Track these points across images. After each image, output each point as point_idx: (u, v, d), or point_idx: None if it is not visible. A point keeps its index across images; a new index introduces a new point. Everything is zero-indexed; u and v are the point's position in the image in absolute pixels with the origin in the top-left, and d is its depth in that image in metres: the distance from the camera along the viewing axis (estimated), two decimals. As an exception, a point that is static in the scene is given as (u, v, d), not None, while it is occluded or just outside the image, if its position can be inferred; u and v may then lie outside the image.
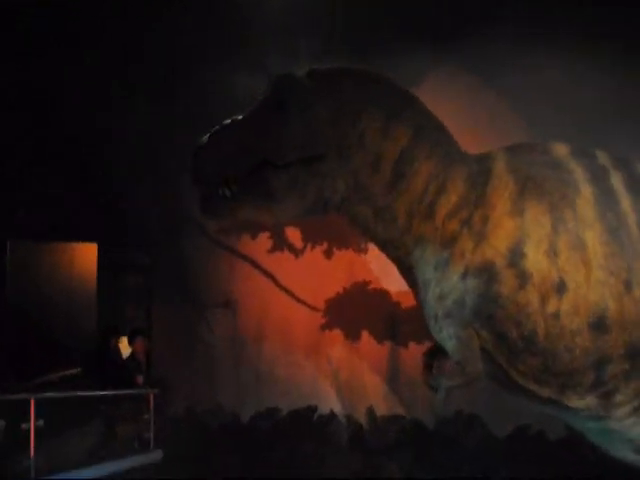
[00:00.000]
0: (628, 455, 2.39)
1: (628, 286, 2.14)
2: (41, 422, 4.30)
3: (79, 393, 4.92)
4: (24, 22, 5.59)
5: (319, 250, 6.61)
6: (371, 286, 6.49)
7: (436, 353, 2.28)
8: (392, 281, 5.95)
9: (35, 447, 4.14)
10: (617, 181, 2.32)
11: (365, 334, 6.47)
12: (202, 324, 6.75)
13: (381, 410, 6.17)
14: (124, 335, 5.75)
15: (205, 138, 2.23)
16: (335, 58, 5.51)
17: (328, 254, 6.56)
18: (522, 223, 2.18)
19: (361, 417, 6.14)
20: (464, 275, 2.15)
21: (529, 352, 2.13)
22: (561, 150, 2.38)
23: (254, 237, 6.57)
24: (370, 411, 6.16)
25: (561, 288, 2.13)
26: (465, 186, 2.27)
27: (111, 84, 5.86)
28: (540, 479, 4.74)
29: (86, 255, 6.20)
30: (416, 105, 2.35)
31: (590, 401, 2.19)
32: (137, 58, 5.84)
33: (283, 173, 2.18)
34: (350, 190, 2.25)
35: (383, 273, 6.20)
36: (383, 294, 6.42)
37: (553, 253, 2.15)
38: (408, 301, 5.71)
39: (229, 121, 2.25)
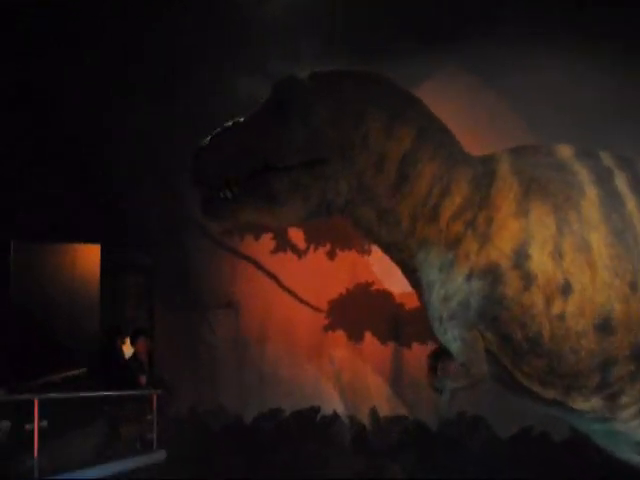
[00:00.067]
0: (633, 457, 2.38)
1: (634, 287, 2.14)
2: (44, 423, 4.31)
3: (82, 394, 4.92)
4: (24, 22, 5.59)
5: (322, 251, 6.60)
6: (374, 287, 6.48)
7: (440, 355, 2.27)
8: (395, 282, 5.94)
9: (39, 447, 4.14)
10: (622, 182, 2.31)
11: (368, 335, 6.46)
12: (204, 325, 6.75)
13: (384, 411, 6.16)
14: (127, 336, 5.75)
15: (206, 140, 2.23)
16: (335, 58, 5.54)
17: (331, 255, 6.56)
18: (527, 224, 2.17)
19: (364, 418, 6.13)
20: (469, 277, 2.15)
21: (534, 354, 2.12)
22: (565, 152, 2.37)
23: (257, 238, 6.57)
24: (373, 412, 6.15)
25: (566, 290, 2.12)
26: (469, 188, 2.26)
27: (111, 84, 5.86)
28: (544, 481, 4.73)
29: (89, 256, 6.21)
30: (418, 106, 2.35)
31: (595, 403, 2.19)
32: (137, 58, 5.84)
33: (285, 176, 2.17)
34: (354, 192, 2.25)
35: (386, 274, 6.19)
36: (386, 295, 6.41)
37: (558, 255, 2.14)
38: (411, 302, 5.70)
39: (230, 123, 2.25)
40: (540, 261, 2.12)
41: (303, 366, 6.51)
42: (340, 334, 6.54)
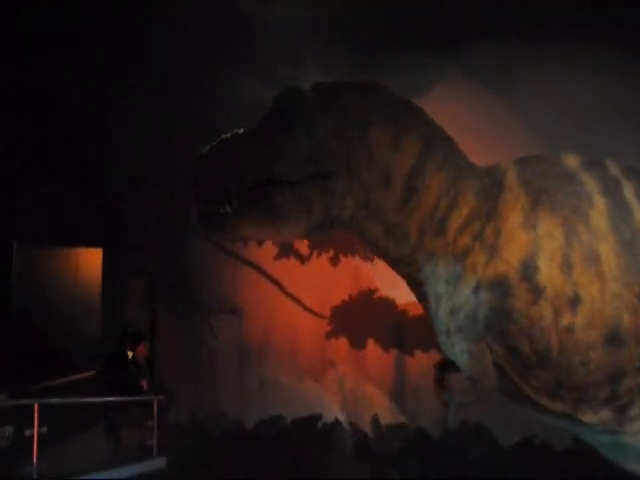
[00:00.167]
0: (640, 469, 2.36)
1: None
2: (45, 428, 4.28)
3: (83, 399, 4.89)
4: (24, 22, 5.57)
5: (325, 257, 6.59)
6: (377, 294, 6.47)
7: (446, 366, 2.26)
8: (398, 289, 5.92)
9: (38, 453, 4.11)
10: (629, 192, 2.30)
11: (371, 342, 6.45)
12: (206, 330, 6.73)
13: (386, 419, 6.14)
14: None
15: (206, 151, 2.19)
16: (337, 63, 5.55)
17: (334, 261, 6.55)
18: (535, 236, 2.16)
19: (366, 426, 6.10)
20: (476, 289, 2.14)
21: (542, 367, 2.10)
22: (572, 161, 2.37)
23: (260, 244, 6.55)
24: (375, 420, 6.13)
25: (575, 302, 2.11)
26: (477, 199, 2.25)
27: (111, 84, 5.84)
28: (546, 489, 4.71)
29: (91, 260, 6.19)
30: (421, 116, 2.34)
31: (604, 415, 2.17)
32: (137, 58, 5.82)
33: (288, 190, 2.13)
34: (360, 207, 2.22)
35: (389, 281, 6.16)
36: (389, 302, 6.40)
37: (567, 266, 2.13)
38: (414, 309, 5.69)
39: (230, 135, 2.22)
40: (549, 273, 2.10)
41: (305, 373, 6.49)
42: (343, 341, 6.52)
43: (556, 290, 2.10)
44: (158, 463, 5.02)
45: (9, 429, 4.18)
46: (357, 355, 6.48)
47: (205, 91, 5.92)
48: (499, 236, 2.17)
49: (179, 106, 5.91)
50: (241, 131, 2.19)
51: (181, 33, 5.69)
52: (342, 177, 2.18)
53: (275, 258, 6.64)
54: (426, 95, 5.15)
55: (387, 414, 6.19)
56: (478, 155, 2.56)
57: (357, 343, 6.47)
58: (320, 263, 6.58)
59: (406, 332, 6.22)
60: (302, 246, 6.59)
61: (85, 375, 5.48)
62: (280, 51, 5.74)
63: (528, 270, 2.10)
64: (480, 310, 2.11)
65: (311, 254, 6.60)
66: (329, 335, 6.54)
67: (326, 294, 6.53)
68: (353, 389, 6.43)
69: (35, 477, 4.07)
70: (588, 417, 2.17)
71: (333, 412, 6.26)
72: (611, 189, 2.26)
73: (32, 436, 4.16)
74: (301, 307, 6.61)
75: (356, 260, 6.52)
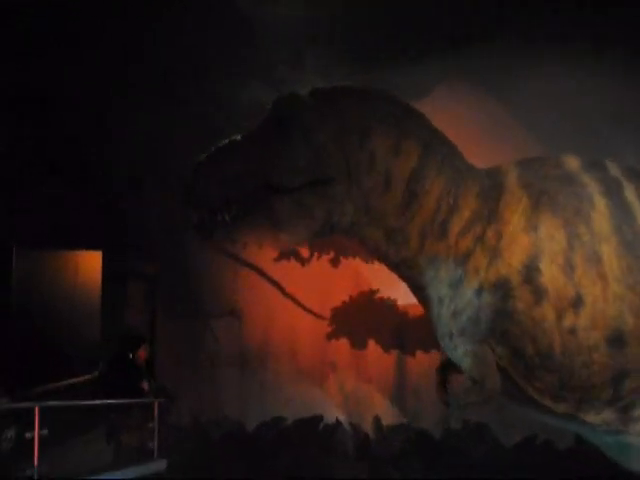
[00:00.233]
0: (644, 469, 2.37)
1: None
2: (45, 431, 4.27)
3: (83, 402, 4.88)
4: (24, 22, 5.56)
5: (325, 258, 6.58)
6: (378, 295, 6.47)
7: (448, 368, 2.26)
8: (398, 290, 5.91)
9: (39, 455, 4.10)
10: (631, 193, 2.31)
11: (371, 343, 6.44)
12: (206, 333, 6.72)
13: (387, 419, 6.13)
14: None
15: (203, 159, 2.18)
16: (337, 65, 5.54)
17: (335, 262, 6.54)
18: (536, 238, 2.16)
19: (367, 427, 6.10)
20: (479, 292, 2.14)
21: (545, 368, 2.11)
22: (572, 163, 2.37)
23: (260, 246, 6.52)
24: (376, 420, 6.12)
25: (578, 303, 2.11)
26: (477, 202, 2.25)
27: (111, 84, 5.83)
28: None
29: (90, 263, 6.17)
30: (421, 120, 2.34)
31: (607, 416, 2.17)
32: (137, 58, 5.81)
33: (287, 197, 2.13)
34: (360, 212, 2.22)
35: (389, 282, 6.14)
36: (390, 303, 6.40)
37: (569, 268, 2.13)
38: (415, 310, 5.69)
39: (227, 142, 2.20)
40: (551, 275, 2.11)
41: (306, 374, 6.48)
42: (343, 342, 6.52)
43: (558, 292, 2.10)
44: (159, 465, 5.00)
45: (11, 432, 4.17)
46: (358, 356, 6.48)
47: (205, 91, 5.91)
48: (500, 239, 2.17)
49: (179, 106, 5.90)
50: (238, 138, 2.18)
51: (181, 33, 5.68)
52: (341, 183, 2.18)
53: (275, 260, 6.63)
54: (426, 96, 5.15)
55: (388, 415, 6.19)
56: (478, 155, 2.56)
57: (358, 344, 6.47)
58: (320, 264, 6.57)
59: (407, 333, 6.22)
60: (302, 248, 6.57)
61: (85, 378, 5.47)
62: (280, 51, 5.74)
63: (530, 272, 2.11)
64: (482, 312, 2.11)
65: (311, 255, 6.59)
66: (329, 336, 6.54)
67: (326, 295, 6.53)
68: (354, 390, 6.43)
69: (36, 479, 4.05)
70: (591, 418, 2.17)
71: (334, 413, 6.26)
72: (612, 190, 2.27)
73: (33, 439, 4.14)
74: (301, 308, 6.60)
75: (356, 261, 6.52)
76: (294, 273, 6.62)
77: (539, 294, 2.11)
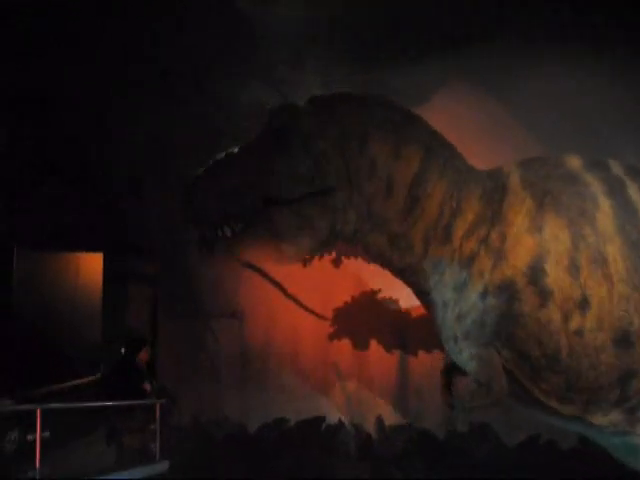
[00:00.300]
0: (650, 469, 2.37)
1: None
2: (47, 433, 4.26)
3: (85, 404, 4.87)
4: (24, 22, 5.53)
5: (327, 259, 6.57)
6: (379, 295, 6.46)
7: (452, 370, 2.27)
8: (401, 290, 5.90)
9: (41, 457, 4.09)
10: (634, 192, 2.31)
11: (374, 343, 6.43)
12: (207, 334, 6.70)
13: (390, 420, 6.13)
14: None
15: (200, 174, 2.16)
16: (337, 66, 5.53)
17: (336, 263, 6.52)
18: (541, 240, 2.17)
19: (370, 427, 6.10)
20: (483, 294, 2.14)
21: (552, 370, 2.11)
22: (574, 163, 2.37)
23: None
24: (379, 421, 6.12)
25: (584, 305, 2.12)
26: (480, 204, 2.26)
27: (111, 84, 5.81)
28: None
29: (91, 265, 6.16)
30: (420, 123, 2.34)
31: (614, 417, 2.18)
32: (137, 58, 5.79)
33: (286, 209, 2.12)
34: (362, 219, 2.22)
35: (391, 282, 6.12)
36: (392, 303, 6.39)
37: (574, 269, 2.14)
38: (417, 310, 5.69)
39: (224, 156, 2.18)
40: (556, 276, 2.11)
41: (308, 375, 6.47)
42: (345, 342, 6.51)
43: (564, 293, 2.10)
44: (161, 467, 5.00)
45: (15, 434, 4.17)
46: (360, 356, 6.47)
47: (205, 91, 5.90)
48: (505, 240, 2.18)
49: (179, 106, 5.88)
50: (235, 151, 2.17)
51: (181, 33, 5.66)
52: (343, 190, 2.18)
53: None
54: (426, 96, 5.14)
55: (390, 415, 6.19)
56: (478, 156, 2.55)
57: (360, 344, 6.46)
58: (322, 265, 6.55)
59: (409, 333, 6.21)
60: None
61: (89, 380, 5.46)
62: (280, 51, 5.73)
63: (535, 274, 2.11)
64: (487, 315, 2.11)
65: (313, 256, 6.57)
66: (331, 337, 6.52)
67: (328, 296, 6.51)
68: (356, 390, 6.42)
69: (38, 482, 4.04)
70: (598, 419, 2.18)
71: (337, 413, 6.26)
72: (615, 190, 2.27)
73: (34, 441, 4.13)
74: (303, 309, 6.59)
75: (358, 262, 6.50)
76: (296, 274, 6.59)
77: (545, 296, 2.11)
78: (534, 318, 2.08)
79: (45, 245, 5.87)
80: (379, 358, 6.40)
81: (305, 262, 6.60)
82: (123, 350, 5.27)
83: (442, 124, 2.41)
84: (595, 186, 2.28)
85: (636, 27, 5.02)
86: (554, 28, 5.36)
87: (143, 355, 5.55)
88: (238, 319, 6.64)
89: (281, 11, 5.67)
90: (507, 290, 2.10)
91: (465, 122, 5.24)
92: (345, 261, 6.51)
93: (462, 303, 2.16)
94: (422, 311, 2.51)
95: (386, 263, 2.31)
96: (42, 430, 4.13)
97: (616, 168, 2.37)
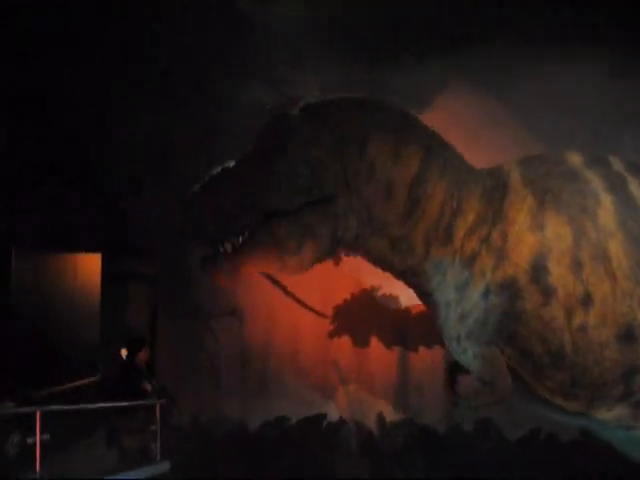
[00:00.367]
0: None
1: None
2: (47, 435, 4.24)
3: (85, 405, 4.85)
4: (24, 22, 5.50)
5: (327, 257, 6.56)
6: (379, 292, 6.47)
7: (456, 369, 2.29)
8: (400, 287, 5.93)
9: (41, 460, 4.08)
10: (635, 188, 2.34)
11: (374, 340, 6.44)
12: (207, 333, 6.69)
13: (391, 416, 6.15)
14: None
15: (197, 190, 2.15)
16: (337, 66, 5.53)
17: (336, 260, 6.52)
18: (543, 237, 2.19)
19: (371, 424, 6.11)
20: (485, 294, 2.17)
21: (556, 367, 2.14)
22: (574, 159, 2.40)
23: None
24: (380, 417, 6.14)
25: (587, 301, 2.15)
26: (481, 203, 2.28)
27: (111, 84, 5.79)
28: (553, 481, 4.74)
29: (90, 265, 6.14)
30: (419, 125, 2.36)
31: (619, 412, 2.21)
32: (137, 58, 5.77)
33: (285, 220, 2.13)
34: (363, 224, 2.23)
35: (391, 279, 6.15)
36: (392, 300, 6.40)
37: (577, 266, 2.17)
38: (417, 307, 5.71)
39: (220, 170, 2.18)
40: (559, 274, 2.14)
41: (308, 373, 6.48)
42: (345, 340, 6.51)
43: (567, 290, 2.13)
44: (162, 467, 4.99)
45: (16, 436, 4.15)
46: (360, 354, 6.48)
47: (205, 91, 5.89)
48: (506, 239, 2.20)
49: (179, 106, 5.87)
50: (231, 165, 2.16)
51: (181, 33, 5.65)
52: (342, 196, 2.19)
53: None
54: (426, 96, 5.16)
55: (391, 412, 6.21)
56: (478, 155, 2.58)
57: (360, 342, 6.47)
58: (321, 263, 6.55)
59: (409, 329, 6.23)
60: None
61: (90, 381, 5.44)
62: (280, 51, 5.73)
63: (537, 271, 2.14)
64: (490, 314, 2.14)
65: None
66: (332, 334, 6.53)
67: (328, 293, 6.51)
68: (357, 387, 6.44)
69: (38, 484, 4.03)
70: (603, 414, 2.21)
71: (338, 411, 6.27)
72: (616, 186, 2.30)
73: (34, 443, 4.12)
74: (303, 307, 6.59)
75: (357, 259, 6.49)
76: (295, 272, 6.59)
77: (547, 293, 2.13)
78: (537, 316, 2.10)
79: (44, 246, 5.84)
80: (379, 355, 6.41)
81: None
82: (125, 352, 5.25)
83: (442, 124, 2.42)
84: (596, 183, 2.30)
85: (636, 27, 5.07)
86: (554, 28, 5.39)
87: (143, 355, 5.53)
88: (238, 317, 6.64)
89: (281, 11, 5.67)
90: (509, 288, 2.12)
91: (465, 122, 5.27)
92: (344, 259, 6.51)
93: (464, 303, 2.18)
94: (422, 308, 2.53)
95: (387, 266, 2.33)
96: (42, 433, 4.12)
97: (617, 164, 2.40)
